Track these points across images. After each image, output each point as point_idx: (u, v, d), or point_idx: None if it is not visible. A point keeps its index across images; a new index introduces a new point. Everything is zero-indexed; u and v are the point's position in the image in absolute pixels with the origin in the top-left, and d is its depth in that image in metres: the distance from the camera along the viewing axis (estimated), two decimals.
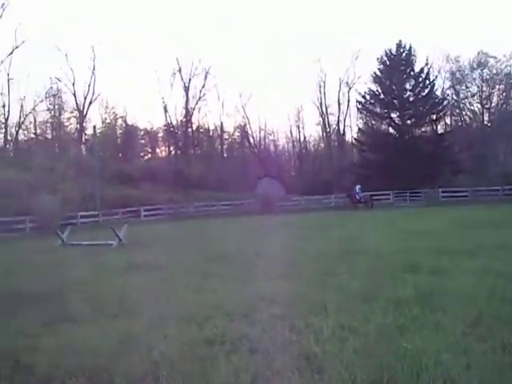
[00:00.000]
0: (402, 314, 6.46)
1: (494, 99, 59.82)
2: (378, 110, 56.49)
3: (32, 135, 61.46)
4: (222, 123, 67.84)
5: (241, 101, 66.09)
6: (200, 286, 9.33)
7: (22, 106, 56.92)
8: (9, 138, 56.88)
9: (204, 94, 64.33)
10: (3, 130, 55.95)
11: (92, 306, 7.91)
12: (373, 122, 58.69)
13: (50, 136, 62.70)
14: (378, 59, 55.26)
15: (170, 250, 16.26)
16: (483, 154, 52.96)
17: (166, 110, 63.56)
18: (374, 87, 55.99)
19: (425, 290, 7.67)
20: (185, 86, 63.33)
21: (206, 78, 63.45)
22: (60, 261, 15.18)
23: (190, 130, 65.85)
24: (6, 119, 55.36)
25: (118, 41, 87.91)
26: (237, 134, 70.54)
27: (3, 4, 51.06)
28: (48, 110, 59.97)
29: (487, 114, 60.45)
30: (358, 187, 42.63)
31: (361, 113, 60.46)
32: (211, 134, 70.40)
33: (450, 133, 57.65)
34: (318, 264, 11.16)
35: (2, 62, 52.56)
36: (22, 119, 57.37)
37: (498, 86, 59.06)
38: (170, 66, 65.96)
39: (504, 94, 58.98)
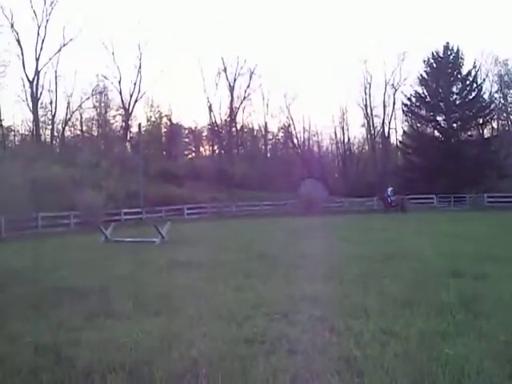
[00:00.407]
0: (444, 319, 6.36)
1: None
2: (423, 112, 55.81)
3: (78, 132, 62.57)
4: (266, 123, 68.00)
5: (285, 101, 66.14)
6: (241, 285, 9.34)
7: (68, 103, 58.00)
8: (55, 134, 57.95)
9: (249, 94, 64.62)
10: (50, 127, 57.11)
11: (134, 303, 7.98)
12: (418, 124, 57.96)
13: (95, 133, 63.65)
14: (424, 61, 54.64)
15: (212, 249, 16.33)
16: None
17: (210, 110, 64.04)
18: (420, 90, 55.39)
19: (468, 296, 7.54)
20: (230, 86, 63.70)
21: (251, 77, 63.71)
22: (103, 257, 15.41)
23: (234, 129, 66.14)
24: (53, 116, 56.50)
25: (164, 40, 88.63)
26: (281, 134, 70.56)
27: (52, 2, 52.04)
28: (94, 107, 60.95)
29: None
30: (390, 189, 42.00)
31: (406, 115, 59.83)
32: (255, 133, 70.55)
33: (497, 137, 56.58)
34: (360, 267, 11.07)
35: (50, 59, 53.63)
36: (69, 116, 58.51)
37: None
38: (216, 66, 66.37)
39: None
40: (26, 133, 57.96)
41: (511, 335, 5.65)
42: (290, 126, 67.22)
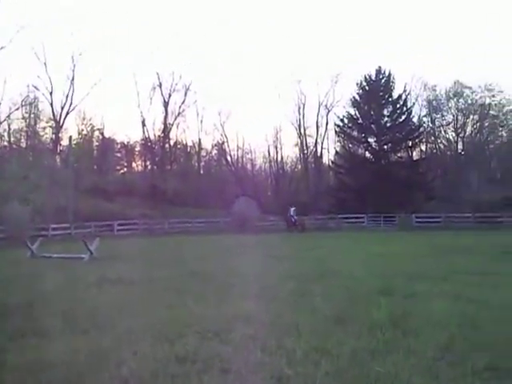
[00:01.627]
0: (374, 337, 6.47)
1: (468, 128, 60.70)
2: (355, 134, 56.98)
3: (5, 143, 60.76)
4: (199, 140, 67.76)
5: (220, 119, 66.16)
6: (172, 302, 9.24)
7: None
8: None
9: (183, 110, 64.29)
10: None
11: (62, 321, 7.78)
12: (350, 145, 59.10)
13: (24, 145, 62.00)
14: (357, 84, 55.92)
15: (143, 266, 16.11)
16: (456, 182, 53.69)
17: (144, 125, 63.34)
18: (353, 111, 56.57)
19: (397, 314, 7.69)
20: (164, 101, 63.23)
21: (186, 94, 63.38)
22: (29, 273, 14.97)
23: (167, 145, 65.63)
24: None
25: (98, 52, 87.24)
26: (214, 151, 70.54)
27: None
28: (23, 118, 59.34)
29: (461, 143, 61.26)
30: (292, 209, 42.44)
31: (338, 136, 60.90)
32: (189, 150, 70.22)
33: (425, 159, 58.25)
34: (291, 285, 11.13)
35: None
36: None
37: (472, 116, 59.97)
38: (150, 81, 65.81)
39: (478, 123, 59.93)
40: None
41: (439, 351, 5.81)
42: (223, 143, 67.34)
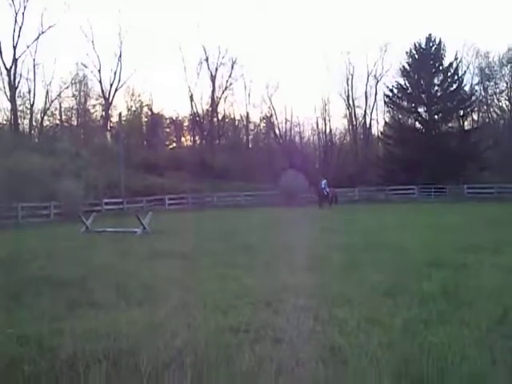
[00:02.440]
0: (426, 308, 6.43)
1: None
2: (405, 104, 56.04)
3: (57, 121, 61.82)
4: (247, 113, 67.77)
5: (267, 91, 65.94)
6: (224, 274, 9.35)
7: (47, 92, 57.25)
8: (34, 123, 57.25)
9: (230, 84, 64.38)
10: (28, 116, 56.26)
11: (117, 293, 7.95)
12: (399, 116, 58.28)
13: (75, 123, 63.05)
14: (406, 53, 54.79)
15: (195, 239, 16.34)
16: (510, 152, 52.36)
17: (191, 99, 63.65)
18: (402, 81, 55.56)
19: (450, 286, 7.62)
20: (211, 75, 63.37)
21: (232, 67, 63.42)
22: (84, 247, 15.35)
23: (215, 119, 65.88)
24: (32, 105, 55.67)
25: (145, 28, 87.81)
26: (262, 124, 70.45)
27: None
28: (73, 96, 60.27)
29: None
30: (323, 182, 39.83)
31: (388, 106, 60.07)
32: (237, 124, 70.32)
33: (477, 129, 56.88)
34: (341, 257, 11.13)
35: (28, 47, 52.86)
36: (48, 105, 57.71)
37: None
38: (197, 55, 65.98)
39: None
40: (4, 122, 57.09)
41: (492, 323, 5.74)
42: (271, 116, 67.17)
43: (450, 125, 55.52)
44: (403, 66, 55.23)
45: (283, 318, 6.15)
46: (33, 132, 57.25)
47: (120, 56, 58.50)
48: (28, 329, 6.03)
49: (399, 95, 55.74)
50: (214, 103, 64.21)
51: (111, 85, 59.10)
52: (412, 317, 6.06)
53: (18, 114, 54.38)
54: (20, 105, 55.16)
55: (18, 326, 6.20)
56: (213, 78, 63.44)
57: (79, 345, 5.31)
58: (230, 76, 63.67)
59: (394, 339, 5.22)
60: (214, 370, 4.53)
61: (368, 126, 66.39)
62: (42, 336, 5.74)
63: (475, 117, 61.51)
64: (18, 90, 53.50)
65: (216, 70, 63.21)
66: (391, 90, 56.14)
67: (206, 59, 62.91)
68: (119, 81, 59.28)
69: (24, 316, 6.73)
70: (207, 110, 65.38)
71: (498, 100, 60.80)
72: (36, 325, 6.22)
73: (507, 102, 59.48)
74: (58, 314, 6.79)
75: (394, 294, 7.25)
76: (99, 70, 58.35)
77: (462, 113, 55.22)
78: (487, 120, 61.38)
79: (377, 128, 67.33)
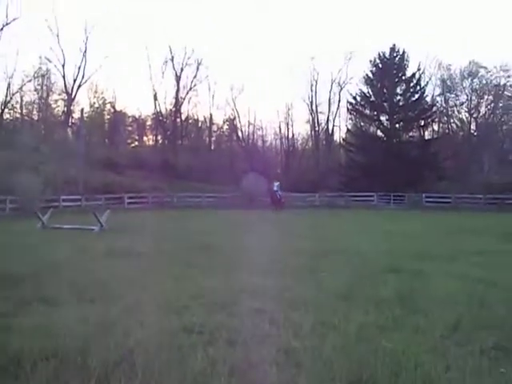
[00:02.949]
0: (382, 313, 6.44)
1: (482, 109, 60.10)
2: (367, 112, 56.59)
3: (17, 115, 60.79)
4: (211, 115, 67.52)
5: (231, 94, 65.83)
6: (180, 275, 9.26)
7: (9, 85, 56.21)
8: None
9: (195, 85, 64.03)
10: None
11: (69, 289, 7.81)
12: (362, 123, 58.82)
13: (36, 117, 62.06)
14: (370, 61, 55.27)
15: (152, 239, 16.18)
16: (468, 163, 53.34)
17: (155, 99, 63.18)
18: (365, 89, 56.03)
19: (405, 292, 7.66)
20: (176, 76, 62.96)
21: (198, 68, 63.07)
22: (39, 243, 15.04)
23: (178, 119, 65.49)
24: None
25: (111, 24, 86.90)
26: (225, 126, 70.36)
27: None
28: (35, 90, 59.33)
29: (474, 124, 60.72)
30: (276, 184, 38.93)
31: (350, 114, 60.59)
32: (200, 125, 70.05)
33: (437, 139, 57.75)
34: (298, 261, 11.14)
35: None
36: (9, 98, 56.71)
37: (486, 97, 59.38)
38: (163, 54, 65.39)
39: (492, 104, 59.30)
40: None
41: (447, 330, 5.76)
42: (235, 118, 67.06)
43: (410, 134, 56.31)
44: (367, 75, 55.74)
45: (238, 321, 6.08)
46: None
47: (85, 51, 57.69)
48: None
49: (362, 103, 56.25)
50: (178, 103, 63.85)
51: (75, 80, 58.26)
52: (367, 322, 6.05)
53: None
54: None
55: None
56: (177, 78, 63.09)
57: (27, 342, 5.15)
58: (194, 77, 63.44)
59: (349, 343, 5.20)
60: (165, 370, 4.43)
61: (330, 132, 66.81)
62: None
63: (435, 127, 62.59)
64: None
65: (181, 70, 62.91)
66: (354, 98, 56.64)
67: (172, 59, 62.57)
68: (83, 77, 58.46)
69: None
70: (171, 110, 65.01)
71: (458, 112, 61.83)
72: None
73: (467, 114, 60.59)
74: (7, 310, 6.60)
75: (350, 299, 7.26)
76: (63, 65, 57.46)
77: (422, 123, 56.05)
78: (447, 131, 62.33)
79: (339, 134, 67.84)
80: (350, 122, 63.33)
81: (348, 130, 62.34)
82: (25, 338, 5.29)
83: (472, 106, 59.57)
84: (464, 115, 61.34)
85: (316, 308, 6.66)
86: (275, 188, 38.27)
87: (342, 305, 6.91)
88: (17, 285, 8.24)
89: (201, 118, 69.28)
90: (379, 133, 56.37)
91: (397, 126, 54.56)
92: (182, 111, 65.53)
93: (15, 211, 30.35)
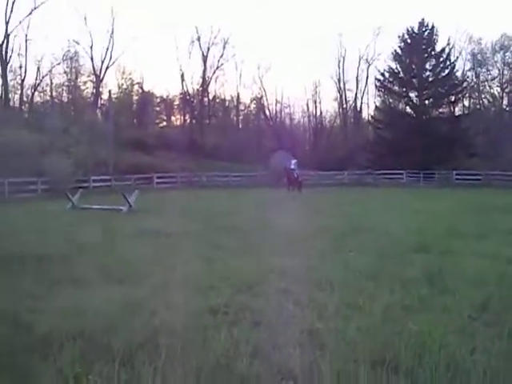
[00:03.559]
0: (409, 293, 6.38)
1: None
2: (396, 88, 55.76)
3: (48, 98, 61.38)
4: (238, 94, 67.36)
5: (258, 72, 65.63)
6: (208, 255, 9.29)
7: (38, 68, 56.76)
8: (24, 99, 56.80)
9: (222, 64, 63.88)
10: (19, 91, 55.86)
11: (98, 270, 7.91)
12: (390, 100, 57.98)
13: (65, 99, 62.59)
14: (399, 37, 54.33)
15: (181, 219, 16.20)
16: (499, 139, 52.34)
17: (182, 79, 63.19)
18: (394, 65, 55.20)
19: (433, 271, 7.57)
20: (203, 55, 62.84)
21: (224, 47, 62.87)
22: (69, 224, 15.24)
23: (206, 99, 65.50)
24: (22, 80, 55.25)
25: (137, 5, 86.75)
26: (253, 105, 70.15)
27: None
28: (65, 72, 59.75)
29: (506, 99, 59.53)
30: (293, 162, 35.56)
31: (379, 90, 59.76)
32: (227, 104, 69.98)
33: (468, 115, 56.74)
34: (325, 240, 11.09)
35: (20, 23, 52.16)
36: (39, 81, 57.28)
37: None
38: (189, 34, 65.31)
39: None
40: None
41: (475, 310, 5.68)
42: (262, 97, 66.81)
43: (440, 110, 55.27)
44: (395, 51, 54.89)
45: (263, 301, 6.08)
46: (23, 107, 56.79)
47: (112, 33, 57.83)
48: (4, 305, 5.95)
49: (390, 79, 55.47)
50: (205, 83, 63.80)
51: (102, 62, 58.50)
52: (393, 302, 6.00)
53: (9, 89, 53.95)
54: (11, 80, 54.78)
55: None
56: (204, 58, 62.97)
57: (55, 323, 5.23)
58: (221, 56, 63.24)
59: (374, 325, 5.16)
60: (188, 351, 4.45)
61: (358, 109, 66.27)
62: (18, 313, 5.66)
63: (466, 103, 61.51)
64: (9, 65, 53.10)
65: (208, 49, 62.75)
66: (382, 74, 55.88)
67: (198, 39, 62.40)
68: (110, 58, 58.69)
69: (1, 293, 6.64)
70: (198, 90, 64.99)
71: (489, 87, 60.64)
72: (13, 302, 6.12)
73: (499, 89, 59.42)
74: (37, 291, 6.71)
75: (377, 279, 7.22)
76: (91, 47, 57.76)
77: (453, 98, 55.01)
78: (478, 106, 61.26)
79: (367, 112, 67.21)
80: (379, 98, 62.63)
81: (376, 107, 61.73)
82: (53, 319, 5.39)
83: (504, 80, 58.31)
84: (496, 90, 60.19)
85: (342, 288, 6.63)
86: (292, 166, 35.11)
87: (369, 285, 6.87)
88: (47, 266, 8.36)
89: (228, 97, 69.23)
90: (408, 109, 55.55)
91: (426, 102, 53.70)
92: (209, 91, 65.55)
93: (46, 192, 30.70)
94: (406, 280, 7.07)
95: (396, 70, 54.76)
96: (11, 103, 54.42)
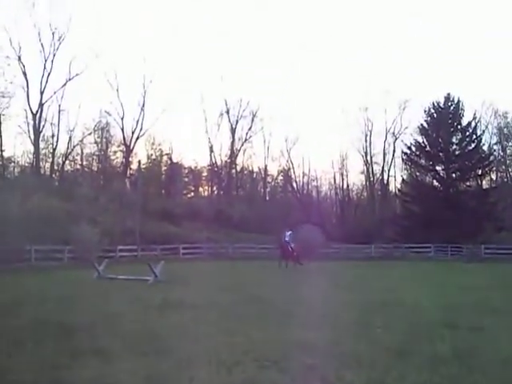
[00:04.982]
0: (437, 372, 6.21)
1: None
2: (423, 161, 55.94)
3: (78, 166, 62.47)
4: (266, 166, 68.00)
5: (286, 145, 66.26)
6: (233, 328, 9.18)
7: (70, 138, 57.95)
8: (55, 167, 57.86)
9: (250, 137, 64.86)
10: (50, 160, 56.91)
11: (123, 342, 7.86)
12: (417, 173, 58.06)
13: (95, 168, 63.65)
14: (425, 111, 54.95)
15: (206, 290, 16.17)
16: None
17: (211, 150, 64.15)
18: (420, 139, 55.60)
19: (463, 349, 7.39)
20: (231, 128, 63.97)
21: (252, 120, 64.03)
22: (94, 293, 15.24)
23: (233, 171, 66.27)
24: (54, 149, 56.34)
25: (168, 78, 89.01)
26: (280, 177, 70.63)
27: (60, 36, 52.61)
28: (95, 142, 60.95)
29: None
30: (288, 233, 31.76)
31: (406, 164, 59.98)
32: (255, 176, 70.59)
33: (496, 189, 56.56)
34: (352, 314, 10.92)
35: (54, 93, 53.75)
36: (70, 150, 58.41)
37: None
38: (218, 107, 66.49)
39: None
40: (26, 164, 57.76)
41: None
42: (289, 169, 67.39)
43: (467, 183, 55.16)
44: (421, 125, 55.38)
45: (289, 378, 5.96)
46: (53, 175, 57.81)
47: (143, 105, 59.23)
48: (27, 376, 5.92)
49: (417, 153, 55.71)
50: (233, 155, 64.67)
51: (133, 132, 59.68)
52: (422, 381, 5.84)
53: (41, 157, 55.13)
54: (43, 148, 56.01)
55: (16, 373, 6.09)
56: (233, 131, 64.09)
57: None
58: (249, 129, 64.30)
59: None
60: None
61: (385, 182, 66.34)
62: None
63: (493, 176, 61.31)
64: (41, 134, 54.43)
65: (236, 122, 63.91)
66: (409, 148, 56.22)
67: (227, 111, 63.68)
68: (141, 129, 59.86)
69: (25, 362, 6.61)
70: (226, 162, 65.82)
71: None
72: (36, 372, 6.10)
73: None
74: (60, 361, 6.67)
75: (405, 355, 7.04)
76: (122, 118, 59.05)
77: (480, 172, 54.93)
78: (506, 180, 60.99)
79: (394, 185, 67.20)
80: (406, 172, 62.76)
81: (403, 180, 61.73)
82: None
83: None
84: None
85: (369, 365, 6.49)
86: (286, 238, 31.19)
87: (397, 362, 6.71)
88: (71, 336, 8.35)
89: (255, 169, 69.84)
90: (435, 183, 55.56)
91: (453, 175, 53.72)
92: (237, 162, 66.36)
93: (73, 260, 30.89)
94: (436, 358, 6.90)
95: (423, 144, 55.09)
96: (42, 171, 55.47)
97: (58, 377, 5.93)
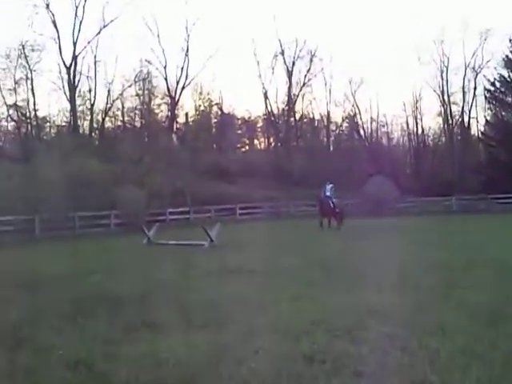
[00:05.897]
0: None
1: None
2: (509, 99, 54.41)
3: (119, 123, 62.71)
4: (328, 112, 67.09)
5: (350, 87, 65.15)
6: (298, 295, 9.22)
7: (109, 91, 57.89)
8: (94, 125, 58.28)
9: (309, 80, 63.93)
10: (89, 117, 57.14)
11: (178, 313, 7.97)
12: (503, 113, 56.52)
13: (138, 124, 63.88)
14: (510, 40, 53.20)
15: (267, 253, 16.25)
16: None
17: (266, 97, 63.65)
18: (506, 73, 53.93)
19: None
20: (287, 71, 63.19)
21: (311, 61, 62.98)
22: (145, 261, 15.57)
23: (292, 119, 65.67)
24: (92, 105, 56.27)
25: (213, 20, 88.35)
26: (345, 124, 69.75)
27: None
28: (137, 95, 60.81)
29: None
30: (329, 187, 29.44)
31: (489, 103, 58.35)
32: (316, 124, 69.91)
33: None
34: (436, 275, 10.83)
35: (88, 43, 53.63)
36: (109, 105, 58.49)
37: None
38: (272, 48, 65.82)
39: None
40: (63, 124, 58.33)
41: None
42: (355, 115, 66.34)
43: None
44: (507, 56, 53.60)
45: (365, 348, 5.95)
46: (93, 134, 58.37)
47: (187, 51, 58.92)
48: (79, 352, 6.09)
49: (502, 89, 54.11)
50: (291, 101, 64.04)
51: (178, 82, 59.56)
52: None
53: (78, 114, 55.63)
54: (80, 105, 56.36)
55: (69, 348, 6.27)
56: (289, 74, 63.32)
57: (133, 371, 5.31)
58: (308, 71, 63.36)
59: (495, 377, 4.95)
60: None
61: (466, 125, 64.75)
62: (93, 360, 5.80)
63: None
64: (78, 90, 54.67)
65: (293, 64, 63.06)
66: (493, 84, 54.62)
67: (282, 52, 62.84)
68: (186, 78, 59.64)
69: (76, 338, 6.80)
70: (283, 110, 65.28)
71: None
72: (88, 348, 6.27)
73: None
74: (113, 336, 6.85)
75: (496, 321, 6.93)
76: (165, 67, 58.92)
77: None
78: None
79: (476, 127, 65.55)
80: (489, 112, 61.06)
81: (487, 121, 60.14)
82: (131, 367, 5.47)
83: None
84: None
85: (455, 333, 6.42)
86: (327, 193, 28.98)
87: (487, 329, 6.62)
88: (123, 308, 8.54)
89: (317, 117, 69.10)
90: None
91: None
92: (295, 110, 65.65)
93: (120, 226, 31.54)
94: None
95: (509, 79, 53.37)
96: (80, 130, 56.07)
97: (111, 352, 6.08)
